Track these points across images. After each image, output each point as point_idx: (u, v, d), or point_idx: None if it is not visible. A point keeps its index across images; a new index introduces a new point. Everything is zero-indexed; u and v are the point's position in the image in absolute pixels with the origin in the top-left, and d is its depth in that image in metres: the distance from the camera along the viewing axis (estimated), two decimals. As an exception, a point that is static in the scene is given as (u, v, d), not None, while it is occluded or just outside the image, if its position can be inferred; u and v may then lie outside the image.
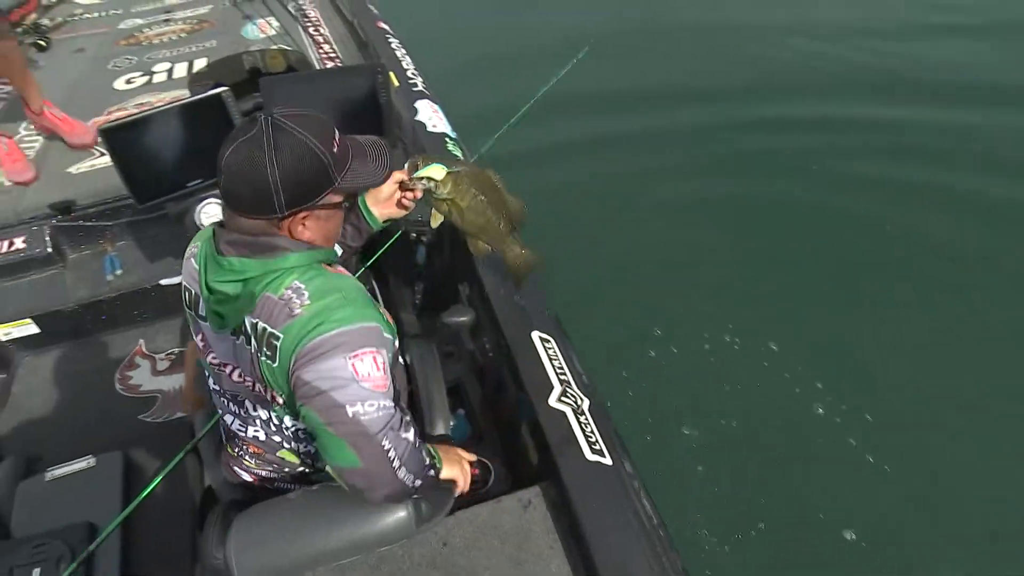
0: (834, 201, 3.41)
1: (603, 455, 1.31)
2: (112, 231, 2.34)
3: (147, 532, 1.57)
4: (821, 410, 2.45)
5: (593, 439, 1.33)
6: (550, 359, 1.50)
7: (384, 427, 1.01)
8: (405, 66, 2.55)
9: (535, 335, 1.54)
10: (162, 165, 1.53)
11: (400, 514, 1.13)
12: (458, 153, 2.09)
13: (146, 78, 3.10)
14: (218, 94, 1.52)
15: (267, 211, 1.01)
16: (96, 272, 2.26)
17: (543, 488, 1.33)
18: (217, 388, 1.22)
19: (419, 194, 1.33)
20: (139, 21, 3.74)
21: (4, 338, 2.21)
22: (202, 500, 1.39)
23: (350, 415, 0.98)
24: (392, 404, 1.04)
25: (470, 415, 1.76)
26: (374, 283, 1.98)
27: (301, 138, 1.00)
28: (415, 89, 2.37)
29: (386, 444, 1.02)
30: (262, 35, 3.31)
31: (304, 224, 1.06)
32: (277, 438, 1.19)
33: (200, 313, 1.12)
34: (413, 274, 2.01)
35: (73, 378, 2.16)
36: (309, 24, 3.31)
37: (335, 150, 1.03)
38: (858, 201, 3.39)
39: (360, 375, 0.99)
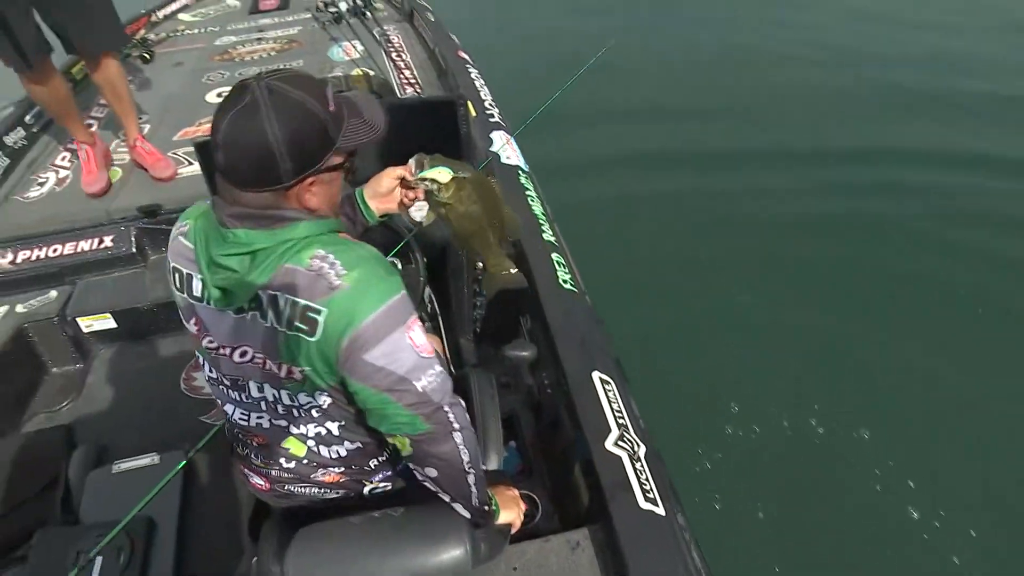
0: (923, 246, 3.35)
1: (656, 504, 1.29)
2: None
3: (202, 533, 1.61)
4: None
5: (648, 487, 1.31)
6: (609, 401, 1.49)
7: (445, 393, 1.04)
8: (483, 96, 2.61)
9: (596, 375, 1.54)
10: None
11: (458, 552, 1.14)
12: (529, 188, 2.12)
13: None
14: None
15: (273, 181, 0.97)
16: None
17: (592, 531, 1.32)
18: (214, 376, 1.15)
19: (420, 194, 1.32)
20: (233, 38, 3.95)
21: (85, 330, 2.32)
22: (254, 510, 1.43)
23: (419, 388, 0.99)
24: (442, 367, 1.05)
25: (521, 447, 1.76)
26: (436, 306, 2.02)
27: (298, 99, 0.96)
28: (491, 120, 2.42)
29: (450, 412, 1.04)
30: (347, 57, 3.45)
31: (311, 190, 1.02)
32: (283, 423, 1.14)
33: (195, 294, 1.07)
34: (475, 301, 2.04)
35: (143, 374, 2.25)
36: (392, 49, 3.43)
37: (331, 108, 1.00)
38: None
39: (418, 346, 1.00)
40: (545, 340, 1.70)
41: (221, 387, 1.16)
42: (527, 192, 2.09)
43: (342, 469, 1.20)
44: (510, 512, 1.24)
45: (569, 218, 2.18)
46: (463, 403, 1.09)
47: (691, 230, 3.48)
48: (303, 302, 0.96)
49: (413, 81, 3.09)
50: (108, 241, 2.44)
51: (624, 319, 2.47)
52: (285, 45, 3.69)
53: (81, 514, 1.61)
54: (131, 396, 2.19)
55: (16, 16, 2.18)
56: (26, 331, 2.27)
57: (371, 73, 2.04)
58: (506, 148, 2.25)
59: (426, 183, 1.29)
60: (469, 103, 2.55)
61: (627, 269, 3.12)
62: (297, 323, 0.97)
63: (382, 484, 1.26)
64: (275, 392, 1.09)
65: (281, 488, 1.25)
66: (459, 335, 2.11)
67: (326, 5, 4.06)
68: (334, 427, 1.13)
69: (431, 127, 1.67)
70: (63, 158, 2.80)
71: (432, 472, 1.08)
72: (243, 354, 1.06)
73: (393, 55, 3.35)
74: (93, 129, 2.93)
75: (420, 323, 1.03)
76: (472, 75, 2.79)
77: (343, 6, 3.98)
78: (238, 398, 1.15)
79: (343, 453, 1.17)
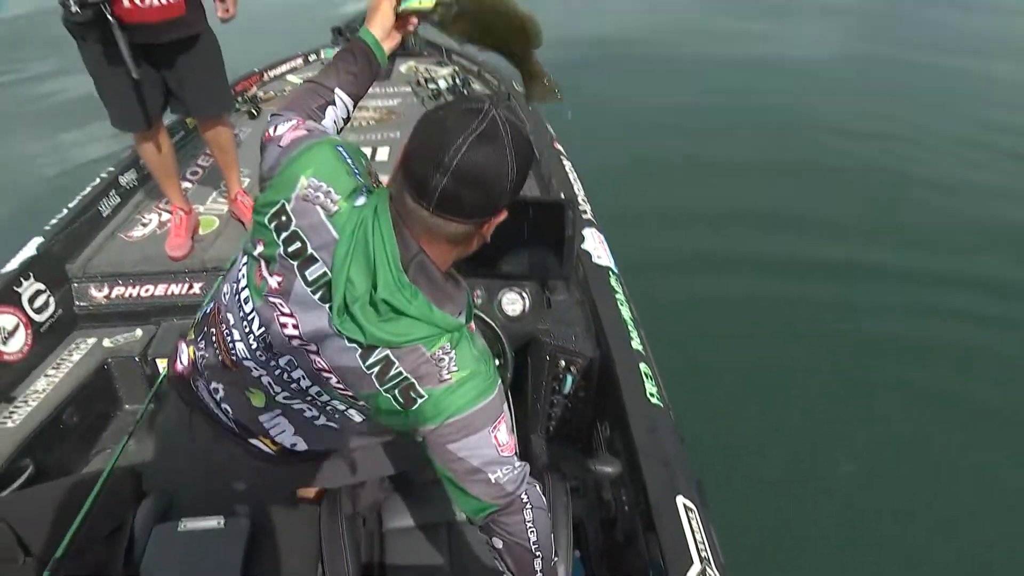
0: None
1: None
2: None
3: None
4: None
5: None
6: (693, 532, 1.42)
7: (520, 483, 1.07)
8: (576, 191, 2.63)
9: (680, 500, 1.48)
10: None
11: None
12: (618, 291, 2.10)
13: None
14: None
15: (486, 214, 0.94)
16: None
17: None
18: (247, 322, 1.11)
19: (411, 28, 1.28)
20: (336, 103, 4.12)
21: (163, 371, 2.37)
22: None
23: (492, 480, 1.03)
24: (520, 461, 1.08)
25: (585, 559, 1.70)
26: (510, 399, 1.99)
27: (527, 136, 0.91)
28: (584, 216, 2.43)
29: (523, 496, 1.08)
30: (443, 135, 3.56)
31: (490, 225, 0.98)
32: (303, 407, 1.17)
33: (308, 279, 1.01)
34: (553, 399, 2.01)
35: None
36: (487, 132, 3.53)
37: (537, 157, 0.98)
38: None
39: (500, 444, 1.03)
40: (627, 455, 1.65)
41: (244, 323, 1.12)
42: (616, 295, 2.08)
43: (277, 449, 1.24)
44: None
45: (650, 318, 2.15)
46: (538, 486, 1.12)
47: (790, 341, 3.39)
48: (413, 381, 0.98)
49: (506, 165, 3.16)
50: (197, 288, 2.51)
51: (703, 432, 2.38)
52: (384, 115, 3.83)
53: (142, 569, 1.60)
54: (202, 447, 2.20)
55: (143, 78, 2.32)
56: (108, 365, 2.33)
57: None
58: (598, 248, 2.26)
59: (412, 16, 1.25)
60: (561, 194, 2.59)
61: (708, 375, 3.05)
62: (397, 393, 0.99)
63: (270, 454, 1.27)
64: (310, 383, 1.10)
65: (196, 374, 1.26)
66: (531, 431, 2.07)
67: (426, 80, 4.25)
68: (324, 421, 1.17)
69: (537, 225, 1.69)
70: (166, 202, 2.93)
71: (498, 543, 1.10)
72: (312, 352, 1.04)
73: (488, 137, 3.45)
74: (194, 184, 3.10)
75: (508, 422, 1.06)
76: (566, 167, 2.83)
77: (442, 83, 4.16)
78: (259, 354, 1.12)
79: (285, 442, 1.22)
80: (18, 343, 2.22)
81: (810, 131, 5.66)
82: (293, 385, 1.13)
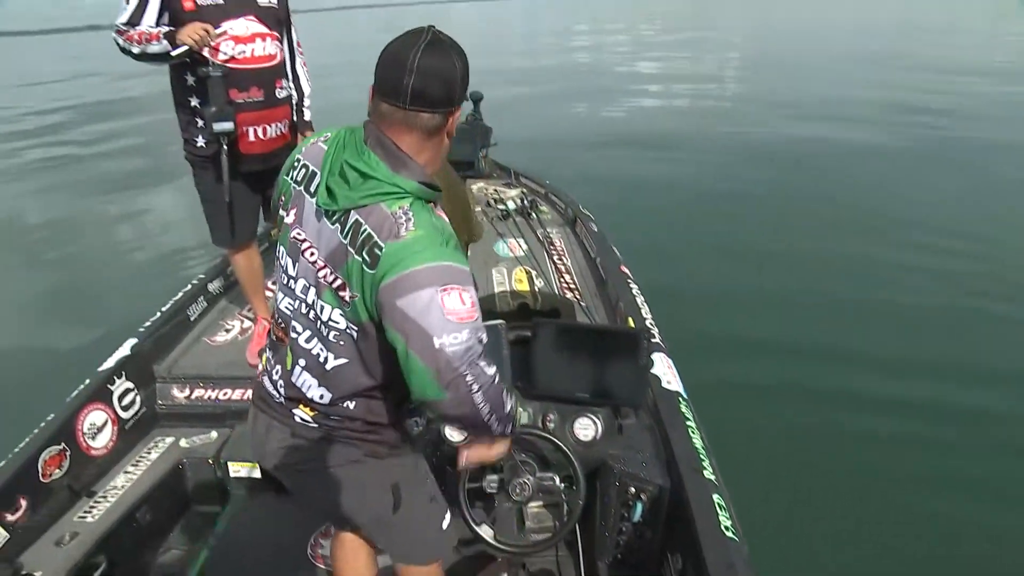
0: None
1: None
2: None
3: None
4: None
5: None
6: None
7: (465, 358, 1.13)
8: (644, 315, 2.67)
9: None
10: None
11: None
12: (689, 417, 2.08)
13: None
14: (496, 324, 1.68)
15: (448, 104, 1.19)
16: None
17: None
18: (285, 273, 1.32)
19: None
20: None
21: (233, 474, 2.42)
22: None
23: (436, 346, 1.11)
24: (476, 339, 1.16)
25: None
26: (579, 529, 1.95)
27: (458, 45, 1.19)
28: (652, 340, 2.45)
29: (468, 376, 1.15)
30: (511, 253, 3.68)
31: (453, 118, 1.22)
32: (297, 328, 1.31)
33: (310, 190, 1.25)
34: (621, 527, 1.96)
35: (274, 531, 2.28)
36: (554, 252, 3.64)
37: None
38: None
39: (447, 308, 1.11)
40: None
41: (283, 274, 1.33)
42: (688, 422, 2.06)
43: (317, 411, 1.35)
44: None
45: (722, 446, 2.10)
46: (492, 373, 1.21)
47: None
48: (375, 237, 1.15)
49: (573, 287, 3.24)
50: None
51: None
52: None
53: None
54: (259, 551, 2.21)
55: (246, 199, 2.53)
56: (183, 466, 2.40)
57: (558, 297, 2.16)
58: (667, 373, 2.26)
59: None
60: (630, 319, 2.63)
61: (781, 506, 2.92)
62: (364, 253, 1.15)
63: (308, 420, 1.38)
64: (314, 297, 1.27)
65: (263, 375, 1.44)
66: (598, 557, 2.01)
67: (496, 202, 4.46)
68: (332, 362, 1.29)
69: (610, 353, 1.72)
70: (248, 309, 3.09)
71: (456, 425, 1.42)
72: (311, 254, 1.25)
73: (555, 257, 3.56)
74: (274, 290, 3.24)
75: (470, 295, 1.16)
76: (633, 291, 2.88)
77: (511, 204, 4.35)
78: (289, 289, 1.32)
79: (313, 396, 1.33)
80: (104, 439, 2.32)
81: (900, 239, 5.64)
82: (309, 311, 1.29)
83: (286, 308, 1.35)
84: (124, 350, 2.53)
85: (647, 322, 2.61)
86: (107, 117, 12.49)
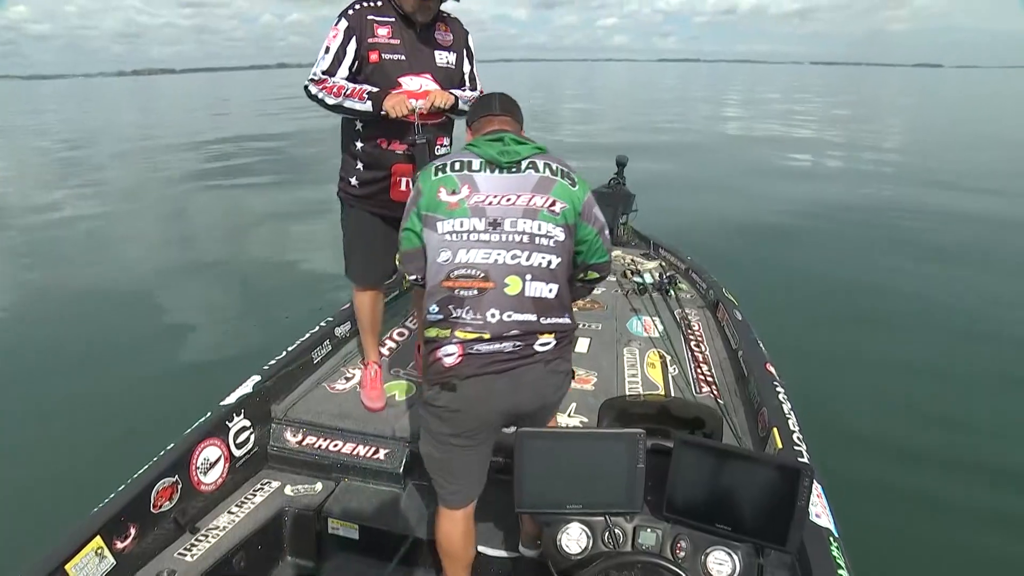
0: None
1: None
2: None
3: None
4: None
5: None
6: None
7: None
8: (791, 426, 2.34)
9: None
10: (551, 480, 1.49)
11: None
12: (842, 564, 1.75)
13: None
14: (635, 433, 1.48)
15: (516, 110, 1.99)
16: (430, 509, 2.32)
17: None
18: (471, 232, 1.71)
19: None
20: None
21: (331, 531, 2.34)
22: None
23: (607, 235, 1.92)
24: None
25: None
26: None
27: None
28: (813, 476, 2.13)
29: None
30: (645, 333, 3.45)
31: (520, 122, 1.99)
32: (522, 254, 1.70)
33: (474, 168, 1.77)
34: None
35: None
36: (692, 337, 3.36)
37: None
38: None
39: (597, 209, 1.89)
40: None
41: (471, 235, 1.70)
42: (840, 571, 1.73)
43: (533, 317, 1.68)
44: None
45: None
46: None
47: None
48: (565, 170, 1.84)
49: (710, 378, 2.95)
50: (382, 454, 2.51)
51: None
52: (587, 304, 3.76)
53: None
54: None
55: (387, 246, 2.52)
56: (284, 514, 2.35)
57: (706, 408, 1.92)
58: (816, 503, 1.93)
59: None
60: (775, 430, 2.31)
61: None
62: (564, 178, 1.80)
63: (548, 343, 1.72)
64: (529, 222, 1.72)
65: (470, 348, 1.65)
66: None
67: (632, 273, 4.26)
68: (555, 262, 1.73)
69: (762, 485, 1.46)
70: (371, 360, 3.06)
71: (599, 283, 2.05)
72: (508, 200, 1.73)
73: (692, 343, 3.27)
74: (399, 344, 3.27)
75: None
76: (780, 396, 2.54)
77: (648, 278, 4.12)
78: (488, 239, 1.70)
79: (545, 294, 1.70)
80: (215, 475, 2.32)
81: None
82: (523, 238, 1.71)
83: (481, 259, 1.69)
84: (246, 387, 2.54)
85: (795, 436, 2.28)
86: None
